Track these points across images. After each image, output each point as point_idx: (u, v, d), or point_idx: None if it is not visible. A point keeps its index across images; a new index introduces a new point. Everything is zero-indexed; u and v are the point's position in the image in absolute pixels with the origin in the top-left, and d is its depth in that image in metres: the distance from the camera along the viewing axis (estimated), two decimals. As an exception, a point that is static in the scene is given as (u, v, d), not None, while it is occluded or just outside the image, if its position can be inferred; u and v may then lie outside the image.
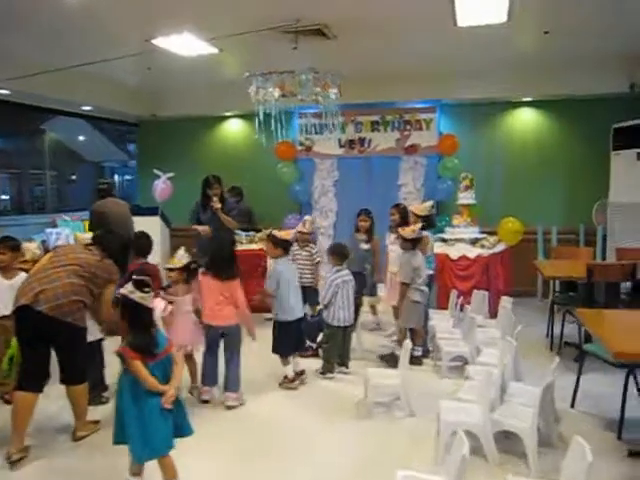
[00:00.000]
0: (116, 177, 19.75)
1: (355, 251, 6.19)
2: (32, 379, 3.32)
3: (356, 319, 5.15)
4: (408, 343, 4.08)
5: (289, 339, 4.56)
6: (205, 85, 8.17)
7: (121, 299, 2.83)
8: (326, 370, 4.76)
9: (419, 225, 5.05)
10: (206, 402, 4.28)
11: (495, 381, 3.47)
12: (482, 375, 3.43)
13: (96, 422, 3.69)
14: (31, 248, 5.86)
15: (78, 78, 7.08)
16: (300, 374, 4.65)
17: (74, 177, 18.88)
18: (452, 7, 4.71)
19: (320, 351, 5.00)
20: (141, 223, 6.33)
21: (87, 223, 7.24)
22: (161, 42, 5.74)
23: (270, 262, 6.51)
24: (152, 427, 2.72)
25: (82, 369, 3.49)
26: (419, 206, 5.56)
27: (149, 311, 2.85)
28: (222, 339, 4.27)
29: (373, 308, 6.41)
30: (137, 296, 2.77)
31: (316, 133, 8.28)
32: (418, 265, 4.94)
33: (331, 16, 5.22)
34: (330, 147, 8.24)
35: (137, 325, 2.82)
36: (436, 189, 7.77)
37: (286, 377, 4.60)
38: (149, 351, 2.79)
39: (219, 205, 6.00)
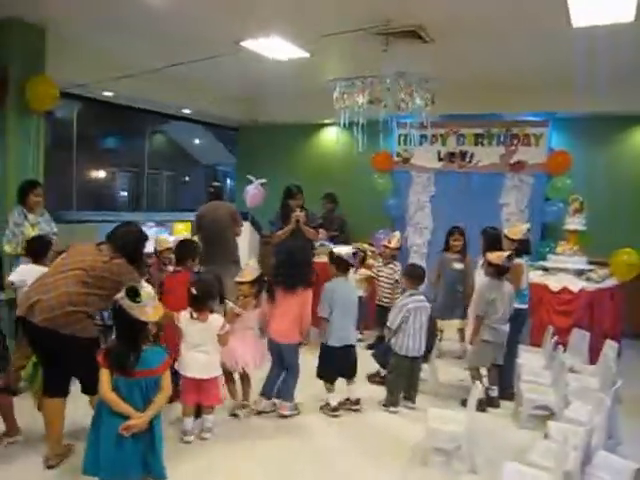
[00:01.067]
0: (228, 181, 20.39)
1: (444, 271, 5.76)
2: (53, 385, 3.22)
3: (431, 348, 4.64)
4: (478, 385, 3.55)
5: (333, 365, 4.21)
6: (303, 92, 8.01)
7: (113, 303, 2.62)
8: (389, 403, 4.32)
9: (506, 253, 4.45)
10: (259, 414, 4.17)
11: (578, 446, 2.86)
12: (562, 436, 2.85)
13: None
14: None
15: (178, 82, 7.26)
16: (354, 403, 4.28)
17: (188, 179, 19.75)
18: (565, 4, 4.12)
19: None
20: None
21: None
22: (250, 45, 5.65)
23: (352, 276, 6.28)
24: (104, 449, 2.48)
25: (96, 379, 3.30)
26: (513, 229, 4.94)
27: (137, 322, 2.58)
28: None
29: (462, 333, 5.85)
30: (126, 304, 2.53)
31: (414, 144, 7.82)
32: (495, 297, 4.34)
33: (427, 17, 4.82)
34: (429, 160, 7.76)
35: (121, 334, 2.61)
36: (542, 211, 7.01)
37: (328, 404, 4.24)
38: (120, 365, 2.55)
39: (302, 215, 5.75)
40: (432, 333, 4.70)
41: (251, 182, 8.12)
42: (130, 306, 2.54)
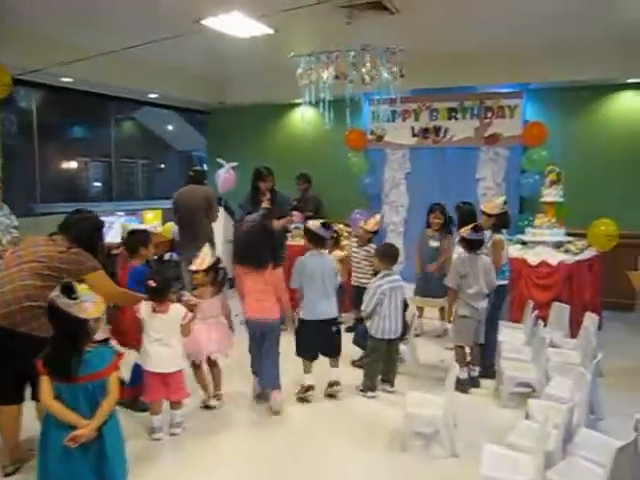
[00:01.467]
0: (205, 166, 20.05)
1: (424, 249, 5.67)
2: (6, 391, 3.02)
3: (406, 329, 4.53)
4: (455, 365, 3.44)
5: (310, 341, 4.09)
6: (270, 71, 7.74)
7: (48, 302, 2.38)
8: (366, 388, 4.20)
9: (470, 225, 4.32)
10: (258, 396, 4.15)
11: (559, 425, 2.76)
12: (543, 415, 2.75)
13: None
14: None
15: (140, 66, 7.01)
16: (332, 385, 4.16)
17: (163, 166, 19.37)
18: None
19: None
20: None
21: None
22: (211, 22, 5.38)
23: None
24: (51, 464, 2.31)
25: None
26: (489, 204, 4.81)
27: (77, 321, 2.35)
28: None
29: (442, 312, 5.77)
30: (62, 302, 2.31)
31: (387, 121, 7.62)
32: (467, 272, 4.24)
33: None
34: (402, 136, 7.59)
35: (60, 336, 2.37)
36: (519, 184, 6.90)
37: (302, 385, 4.13)
38: (61, 370, 2.33)
39: (267, 205, 5.60)
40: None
41: (222, 166, 7.91)
42: (67, 304, 2.31)
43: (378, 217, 5.68)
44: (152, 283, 3.38)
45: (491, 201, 4.91)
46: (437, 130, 7.39)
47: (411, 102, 7.44)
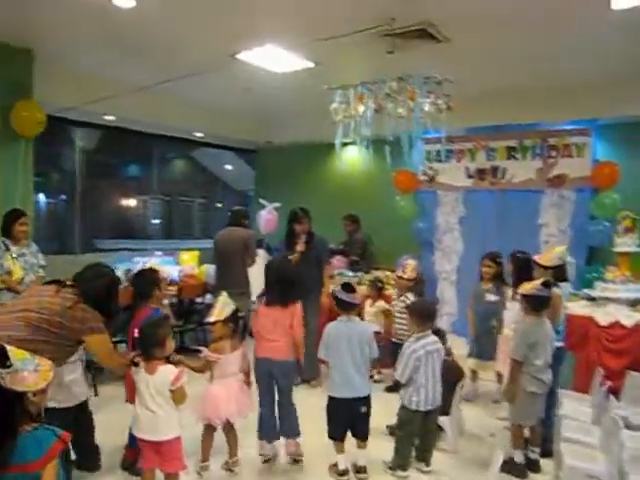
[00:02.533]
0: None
1: (478, 306, 5.02)
2: None
3: (450, 399, 3.91)
4: (499, 453, 2.81)
5: (338, 420, 3.54)
6: (314, 108, 7.45)
7: None
8: (396, 466, 3.58)
9: (540, 280, 3.68)
10: (267, 462, 3.72)
11: None
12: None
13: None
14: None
15: (185, 105, 6.98)
16: (359, 471, 3.57)
17: (220, 205, 19.44)
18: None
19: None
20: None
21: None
22: (246, 56, 5.15)
23: (367, 309, 5.60)
24: None
25: None
26: (546, 254, 4.17)
27: (10, 395, 1.89)
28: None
29: (474, 373, 5.12)
30: None
31: (440, 161, 7.13)
32: (536, 340, 3.56)
33: (437, 12, 4.16)
34: (457, 178, 7.04)
35: None
36: (587, 232, 6.13)
37: (335, 465, 3.57)
38: None
39: (302, 248, 5.22)
40: (452, 378, 3.98)
41: (264, 207, 7.62)
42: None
43: (413, 262, 5.12)
44: (135, 334, 2.99)
45: (548, 251, 4.26)
46: (495, 171, 6.79)
47: (466, 141, 6.92)
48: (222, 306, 3.57)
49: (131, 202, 15.85)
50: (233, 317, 3.56)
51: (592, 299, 5.19)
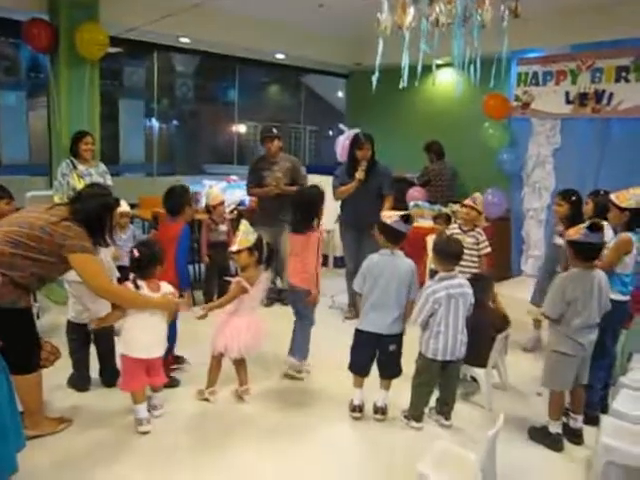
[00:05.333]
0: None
1: (547, 246, 4.50)
2: None
3: (488, 349, 3.55)
4: (500, 418, 2.45)
5: (363, 354, 3.37)
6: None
7: None
8: (411, 415, 3.33)
9: (585, 224, 3.09)
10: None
11: None
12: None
13: (62, 420, 3.07)
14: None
15: (260, 25, 6.75)
16: (377, 411, 3.39)
17: (331, 133, 19.19)
18: None
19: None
20: (318, 182, 5.64)
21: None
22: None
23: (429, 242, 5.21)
24: None
25: (23, 356, 2.79)
26: (623, 193, 3.51)
27: None
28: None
29: (537, 321, 4.64)
30: None
31: (537, 85, 6.27)
32: (575, 297, 3.02)
33: None
34: (554, 103, 6.16)
35: None
36: None
37: (351, 402, 3.42)
38: None
39: (361, 176, 4.93)
40: (491, 328, 3.59)
41: (343, 132, 7.29)
42: None
43: (479, 195, 4.60)
44: (135, 253, 2.97)
45: (627, 190, 3.57)
46: (599, 96, 5.82)
47: (568, 60, 5.98)
48: (244, 234, 3.44)
49: (241, 128, 16.08)
50: (256, 246, 3.43)
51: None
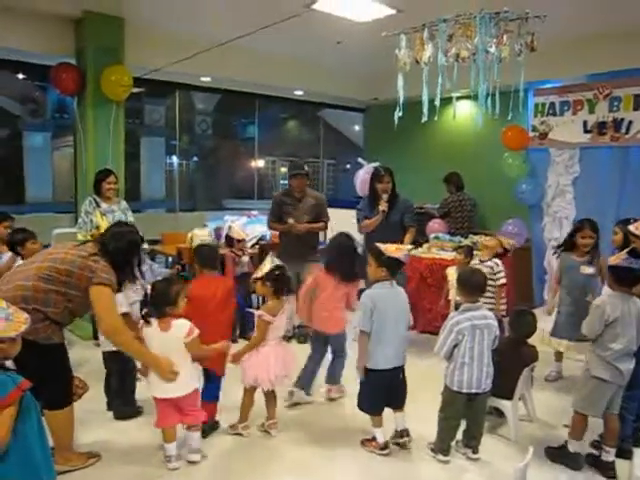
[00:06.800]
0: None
1: (568, 277, 4.40)
2: None
3: (509, 382, 3.49)
4: (530, 452, 2.41)
5: (380, 393, 3.32)
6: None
7: None
8: (437, 449, 3.28)
9: (625, 251, 3.09)
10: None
11: None
12: None
13: (91, 455, 3.08)
14: (199, 235, 5.64)
15: (279, 62, 6.94)
16: (401, 435, 3.38)
17: (349, 166, 19.37)
18: None
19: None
20: (337, 217, 5.78)
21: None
22: (322, 6, 4.87)
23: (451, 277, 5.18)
24: None
25: (57, 392, 2.83)
26: (641, 222, 3.50)
27: None
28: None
29: (559, 354, 4.60)
30: None
31: (554, 115, 6.31)
32: (616, 318, 3.01)
33: None
34: (572, 133, 6.17)
35: None
36: None
37: (373, 439, 3.36)
38: None
39: (384, 208, 4.96)
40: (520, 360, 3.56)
41: (362, 166, 7.37)
42: None
43: None
44: (149, 291, 3.00)
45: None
46: (618, 124, 5.83)
47: (585, 90, 6.01)
48: (263, 265, 3.50)
49: (260, 163, 16.35)
50: (271, 276, 3.44)
51: None
